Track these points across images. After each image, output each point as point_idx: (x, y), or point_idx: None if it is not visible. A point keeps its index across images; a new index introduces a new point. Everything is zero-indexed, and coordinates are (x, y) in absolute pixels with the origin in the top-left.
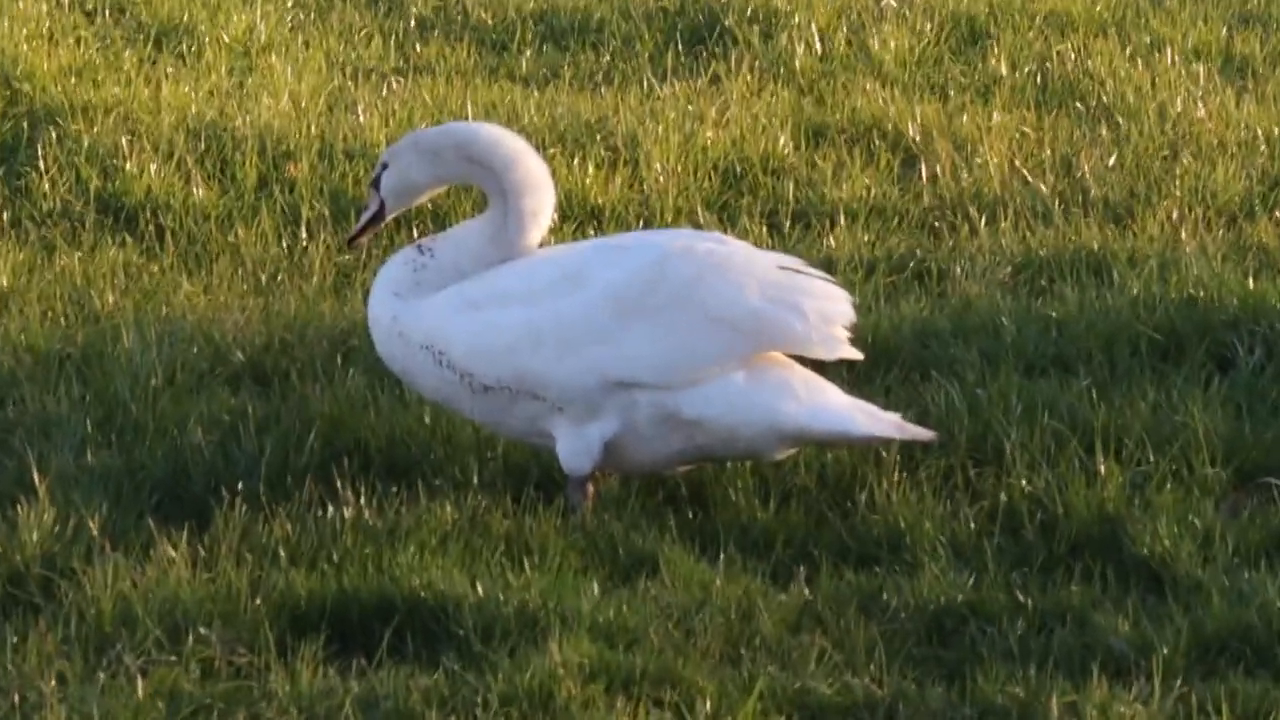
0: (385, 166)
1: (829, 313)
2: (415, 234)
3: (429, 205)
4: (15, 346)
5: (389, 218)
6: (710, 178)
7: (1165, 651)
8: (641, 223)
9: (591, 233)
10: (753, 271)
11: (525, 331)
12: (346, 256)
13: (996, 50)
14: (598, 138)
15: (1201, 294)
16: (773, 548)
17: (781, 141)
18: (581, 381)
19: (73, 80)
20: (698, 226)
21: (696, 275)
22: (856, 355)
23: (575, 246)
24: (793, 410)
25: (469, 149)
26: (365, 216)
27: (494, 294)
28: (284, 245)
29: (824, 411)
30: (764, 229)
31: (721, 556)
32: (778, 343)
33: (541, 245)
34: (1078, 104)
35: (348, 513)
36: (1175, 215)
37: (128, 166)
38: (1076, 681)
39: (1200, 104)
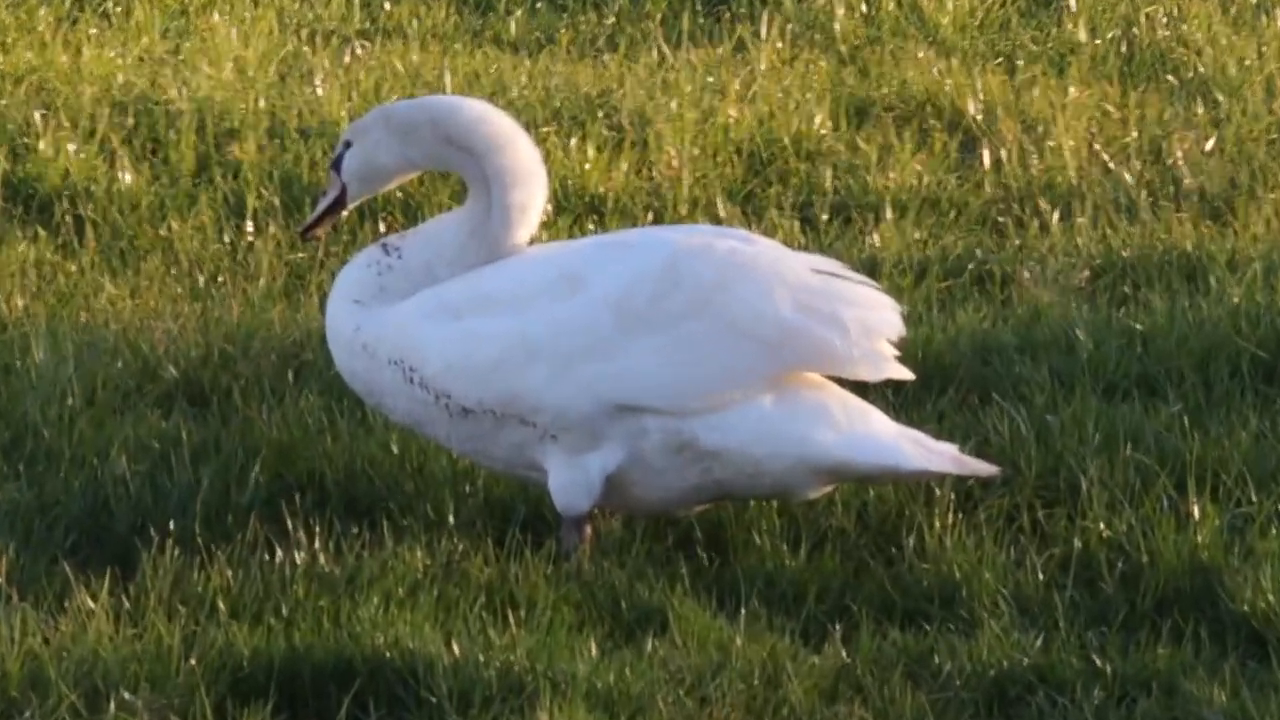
0: (348, 146)
1: (873, 325)
2: (382, 229)
3: (398, 193)
4: None
5: (350, 205)
6: (733, 163)
7: None
8: (651, 216)
9: (591, 228)
10: (783, 276)
11: (513, 344)
12: (300, 254)
13: (1073, 12)
14: (600, 115)
15: None
16: (803, 601)
17: (818, 120)
18: (579, 404)
19: None
20: (717, 221)
21: (716, 280)
22: (906, 375)
23: (572, 244)
24: (829, 440)
25: (447, 127)
26: (323, 204)
27: (476, 299)
28: (226, 240)
29: (866, 442)
30: (796, 224)
31: (743, 611)
32: (812, 361)
33: (531, 243)
34: (1169, 77)
35: (299, 557)
36: None
37: (41, 146)
38: None
39: None
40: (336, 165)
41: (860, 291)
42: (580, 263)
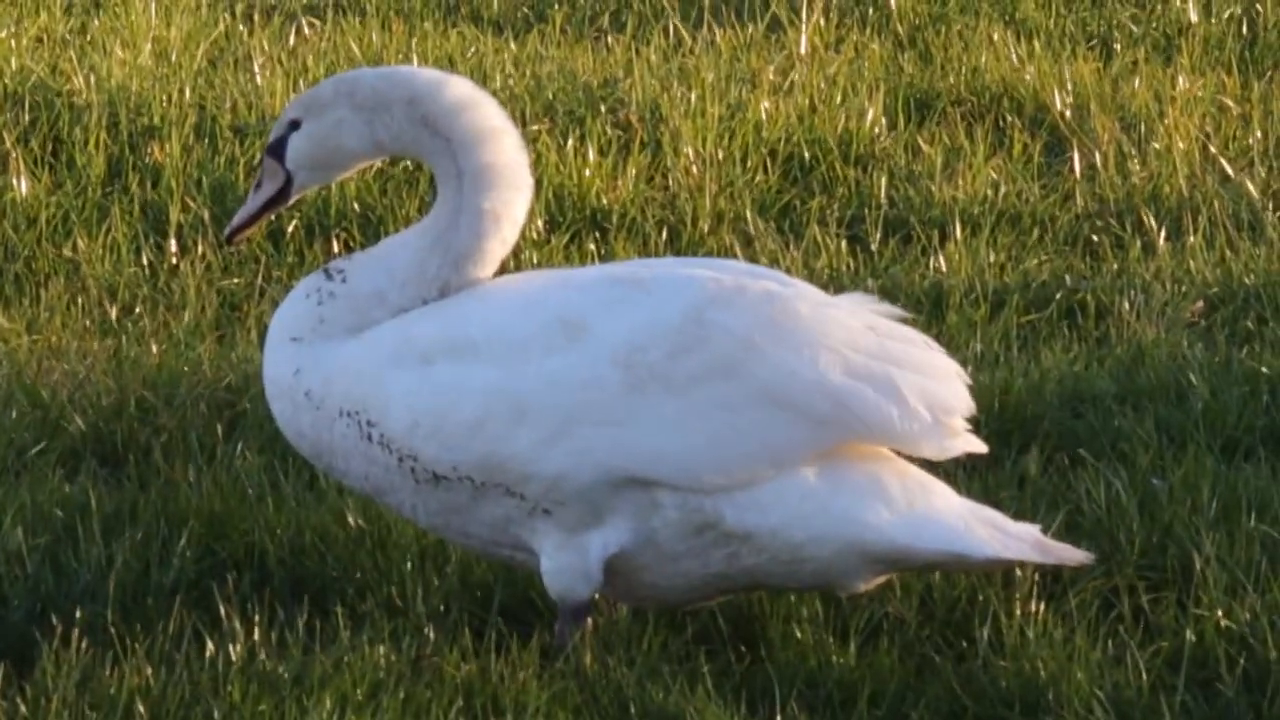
0: (295, 126)
1: (937, 398)
2: (335, 248)
3: (354, 206)
4: None
5: (294, 198)
6: (766, 168)
7: None
8: (665, 234)
9: (592, 248)
10: (828, 332)
11: (498, 399)
12: (235, 279)
13: None
14: (602, 110)
15: None
16: (853, 707)
17: (870, 117)
18: (578, 473)
19: None
20: (747, 240)
21: (748, 336)
22: (978, 448)
23: (570, 277)
24: (885, 521)
25: (425, 107)
26: (258, 198)
27: (451, 342)
28: (144, 263)
29: (930, 524)
30: (843, 243)
31: (779, 718)
32: (865, 436)
33: (519, 267)
34: None
35: (235, 651)
36: None
37: None
38: None
39: None
40: (276, 151)
41: (923, 356)
42: (582, 306)
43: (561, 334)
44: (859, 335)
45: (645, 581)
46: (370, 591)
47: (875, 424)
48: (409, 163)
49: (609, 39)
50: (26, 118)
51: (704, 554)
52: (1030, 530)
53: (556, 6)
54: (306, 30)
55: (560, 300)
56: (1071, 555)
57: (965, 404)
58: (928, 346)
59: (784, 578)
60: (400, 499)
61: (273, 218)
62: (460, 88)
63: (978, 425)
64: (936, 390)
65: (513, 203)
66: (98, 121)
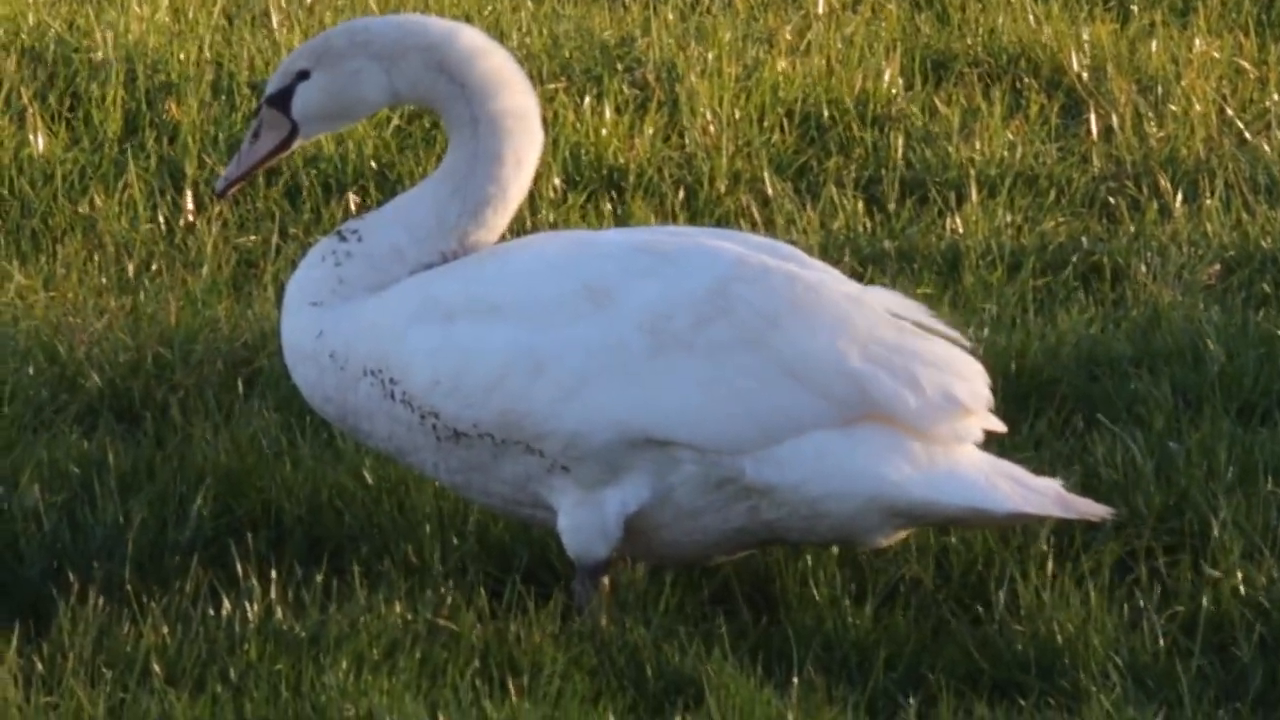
0: (304, 76)
1: (956, 394)
2: (353, 206)
3: (371, 163)
4: None
5: (294, 147)
6: (783, 128)
7: None
8: (683, 193)
9: (609, 207)
10: (850, 318)
11: (519, 357)
12: (252, 237)
13: None
14: (620, 69)
15: None
16: (870, 669)
17: (887, 77)
18: (597, 431)
19: None
20: (764, 201)
21: (772, 312)
22: (997, 427)
23: (594, 241)
24: (905, 476)
25: (443, 53)
26: (261, 148)
27: (475, 302)
28: (161, 220)
29: (950, 478)
30: (860, 204)
31: (795, 681)
32: (881, 417)
33: (531, 225)
34: None
35: (251, 610)
36: None
37: None
38: None
39: None
40: (279, 101)
41: (942, 351)
42: (607, 273)
43: (587, 300)
44: (880, 324)
45: (664, 539)
46: (388, 551)
47: (892, 408)
48: (426, 120)
49: None
50: (44, 74)
51: (723, 509)
52: (1052, 485)
53: None
54: None
55: (586, 266)
56: (1093, 509)
57: (984, 398)
58: (952, 340)
59: (804, 532)
60: (423, 458)
61: (264, 171)
62: (473, 35)
63: (995, 389)
64: (955, 383)
65: (529, 149)
66: (115, 78)
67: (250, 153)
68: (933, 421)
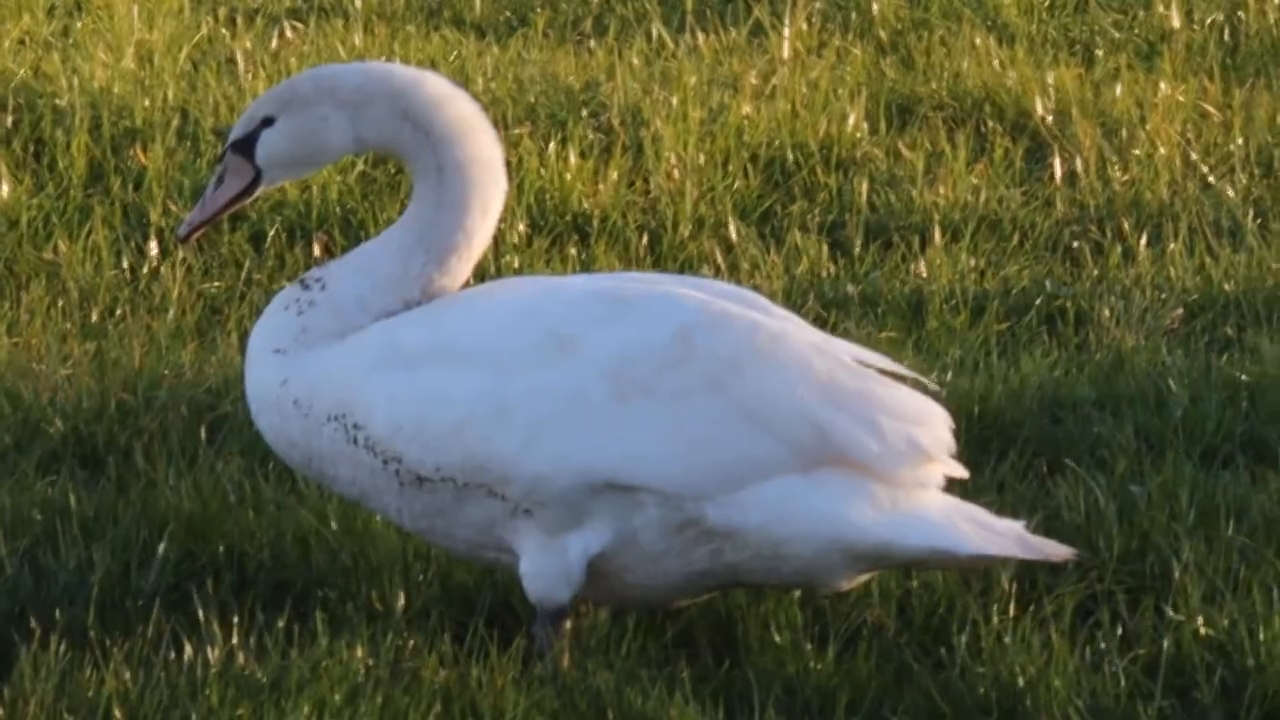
0: (268, 122)
1: (918, 440)
2: (316, 251)
3: (336, 209)
4: None
5: (258, 194)
6: (748, 173)
7: None
8: (647, 238)
9: (574, 252)
10: (813, 364)
11: (482, 402)
12: (216, 284)
13: None
14: (584, 113)
15: None
16: (832, 712)
17: (851, 121)
18: (559, 476)
19: None
20: (727, 246)
21: (734, 358)
22: (959, 473)
23: (555, 288)
24: (868, 518)
25: (407, 101)
26: (224, 194)
27: (437, 347)
28: (125, 265)
29: (913, 520)
30: (824, 248)
31: None
32: (844, 463)
33: (495, 270)
34: None
35: (213, 655)
36: None
37: None
38: None
39: None
40: (243, 147)
41: (904, 399)
42: (572, 320)
43: (551, 347)
44: (842, 371)
45: (627, 581)
46: (350, 595)
47: (854, 454)
48: (391, 166)
49: (591, 43)
50: (9, 120)
51: (686, 552)
52: (1013, 526)
53: (539, 10)
54: (289, 33)
55: (550, 313)
56: (1055, 550)
57: (946, 444)
58: (914, 384)
59: (766, 574)
60: (386, 502)
61: (227, 216)
62: (437, 83)
63: (958, 433)
64: (917, 430)
65: (494, 196)
66: (80, 124)
67: (214, 198)
68: (895, 467)
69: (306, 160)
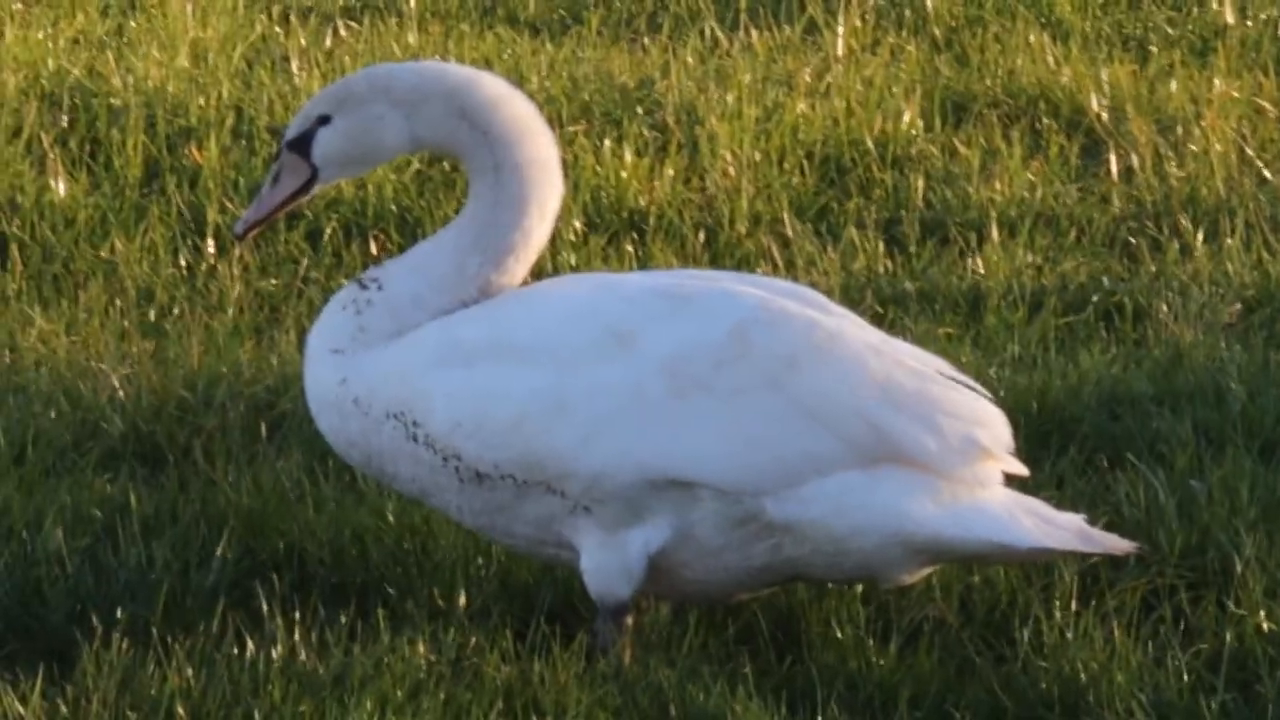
0: (323, 121)
1: (976, 438)
2: (373, 249)
3: (392, 207)
4: None
5: (314, 192)
6: (803, 170)
7: None
8: (703, 235)
9: (630, 249)
10: (868, 363)
11: (540, 398)
12: (274, 281)
13: None
14: (639, 111)
15: None
16: (894, 708)
17: (907, 119)
18: (619, 472)
19: None
20: (784, 242)
21: (790, 356)
22: (1019, 470)
23: (613, 285)
24: (928, 512)
25: (464, 100)
26: (280, 193)
27: (494, 344)
28: (182, 264)
29: (973, 514)
30: (879, 245)
31: (820, 719)
32: (902, 461)
33: (552, 268)
34: None
35: (276, 651)
36: None
37: None
38: None
39: None
40: (299, 146)
41: (962, 400)
42: (630, 317)
43: (609, 343)
44: (899, 371)
45: (687, 577)
46: (411, 592)
47: (912, 452)
48: (446, 164)
49: (645, 41)
50: (65, 120)
51: (746, 547)
52: (1074, 519)
53: (593, 8)
54: (343, 31)
55: (607, 310)
56: (1116, 544)
57: (1005, 443)
58: (972, 390)
59: (827, 569)
60: (447, 499)
61: (284, 214)
62: (494, 83)
63: (1016, 428)
64: (975, 428)
65: (551, 198)
66: (135, 123)
67: (270, 196)
68: (953, 465)
69: (362, 159)
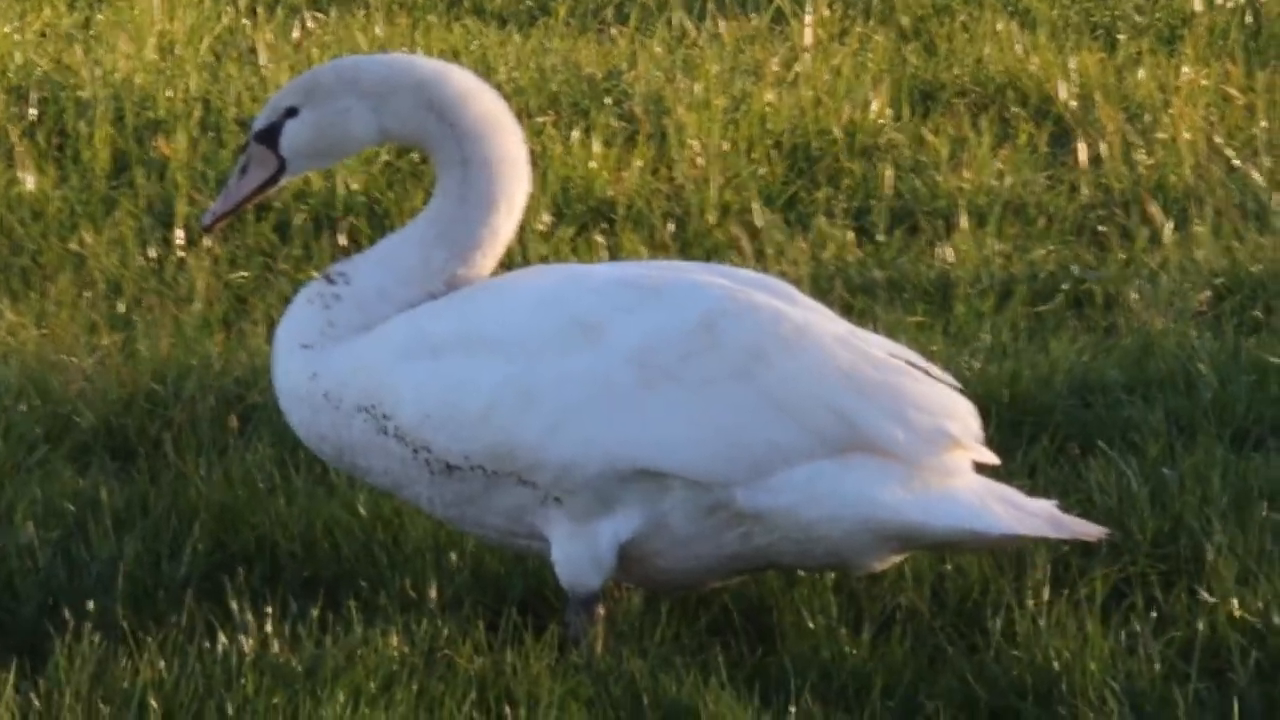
0: (291, 113)
1: (945, 428)
2: (342, 241)
3: (361, 198)
4: None
5: (282, 183)
6: (771, 160)
7: None
8: (673, 225)
9: (599, 239)
10: (836, 355)
11: (509, 389)
12: (243, 274)
13: None
14: (607, 102)
15: None
16: (867, 697)
17: (875, 108)
18: (587, 463)
19: None
20: (753, 232)
21: (758, 347)
22: (989, 459)
23: (580, 277)
24: (898, 499)
25: (432, 93)
26: (248, 184)
27: (463, 335)
28: (151, 256)
29: (944, 501)
30: (849, 234)
31: (792, 709)
32: (870, 451)
33: (522, 259)
34: None
35: (247, 644)
36: None
37: None
38: None
39: None
40: (267, 137)
41: (930, 392)
42: (598, 308)
43: (577, 334)
44: (866, 362)
45: (658, 566)
46: (383, 584)
47: (881, 442)
48: (415, 155)
49: (613, 31)
50: (32, 112)
51: (716, 535)
52: (1045, 506)
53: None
54: (310, 23)
55: (575, 301)
56: (1087, 529)
57: (974, 433)
58: (940, 380)
59: (798, 556)
60: (418, 491)
61: (252, 206)
62: (464, 77)
63: (987, 416)
64: (943, 419)
65: (518, 195)
66: (103, 115)
67: (238, 188)
68: (923, 454)
69: (330, 151)
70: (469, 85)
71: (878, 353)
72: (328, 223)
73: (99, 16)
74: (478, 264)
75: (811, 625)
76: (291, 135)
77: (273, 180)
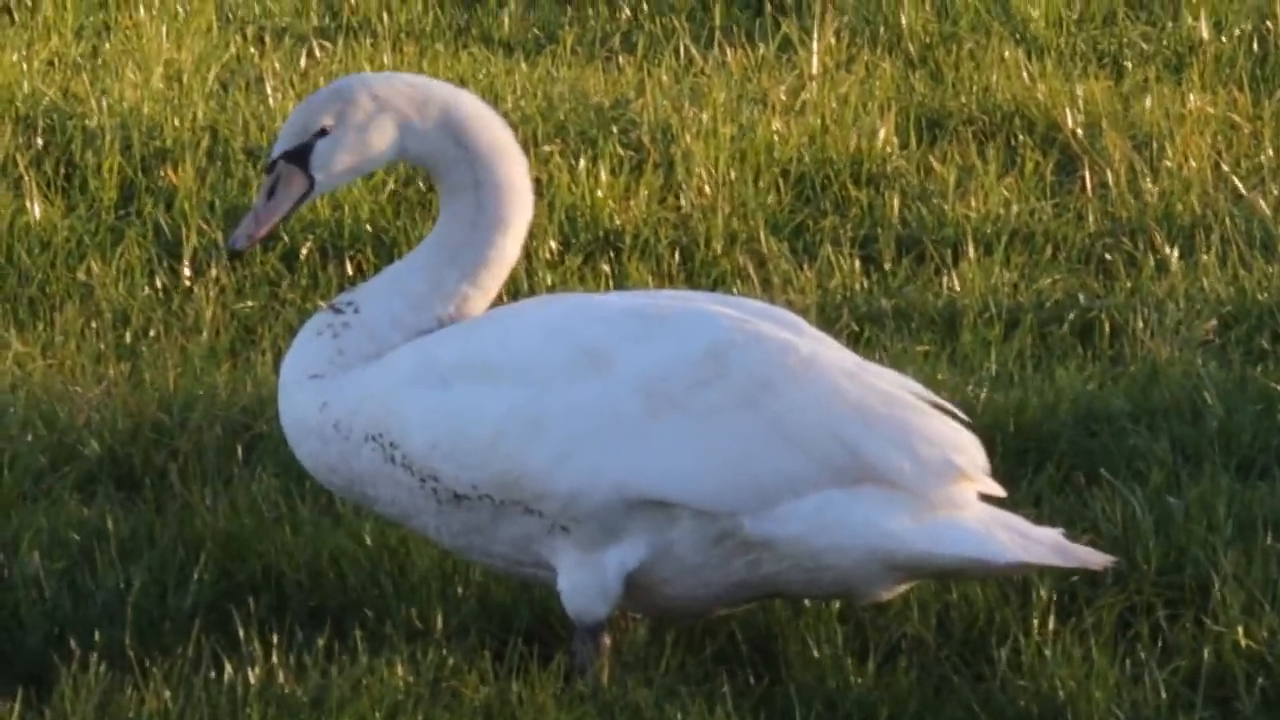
0: (323, 133)
1: (952, 460)
2: (349, 270)
3: (367, 228)
4: None
5: (311, 199)
6: (779, 188)
7: None
8: (679, 255)
9: (606, 268)
10: (842, 387)
11: (516, 418)
12: (250, 303)
13: (1193, 4)
14: (614, 130)
15: None
16: None
17: (882, 136)
18: (595, 492)
19: None
20: (760, 261)
21: (765, 377)
22: (995, 491)
23: (589, 306)
24: (905, 528)
25: (451, 113)
26: (283, 203)
27: (470, 364)
28: (158, 286)
29: (951, 529)
30: (856, 262)
31: None
32: (875, 480)
33: (529, 288)
34: None
35: (253, 674)
36: None
37: None
38: None
39: None
40: (297, 158)
41: (936, 423)
42: (606, 337)
43: (584, 363)
44: (873, 395)
45: (666, 594)
46: (389, 614)
47: (887, 473)
48: (421, 184)
49: (620, 59)
50: (39, 141)
51: (724, 564)
52: (1051, 534)
53: (567, 27)
54: (318, 52)
55: (583, 330)
56: (1093, 558)
57: (980, 465)
58: (948, 413)
59: (805, 585)
60: (425, 521)
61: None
62: (476, 102)
63: (993, 445)
64: (950, 451)
65: (524, 223)
66: (110, 145)
67: (269, 209)
68: (929, 486)
69: (355, 169)
70: (482, 110)
71: (885, 385)
72: (335, 252)
73: (106, 46)
74: (487, 286)
75: (817, 654)
76: (323, 155)
77: (303, 199)
